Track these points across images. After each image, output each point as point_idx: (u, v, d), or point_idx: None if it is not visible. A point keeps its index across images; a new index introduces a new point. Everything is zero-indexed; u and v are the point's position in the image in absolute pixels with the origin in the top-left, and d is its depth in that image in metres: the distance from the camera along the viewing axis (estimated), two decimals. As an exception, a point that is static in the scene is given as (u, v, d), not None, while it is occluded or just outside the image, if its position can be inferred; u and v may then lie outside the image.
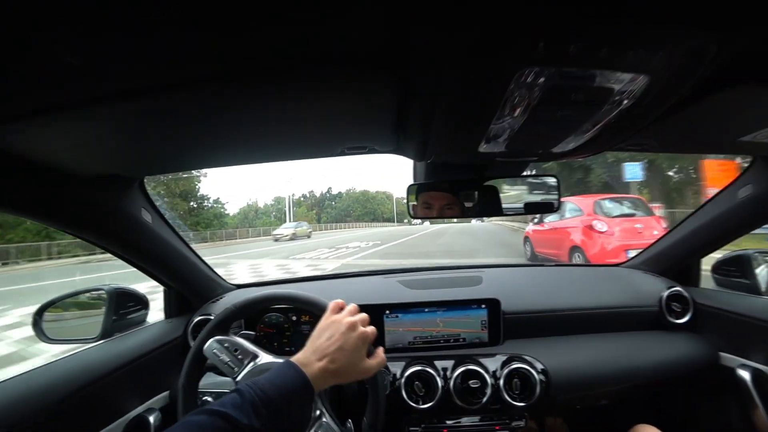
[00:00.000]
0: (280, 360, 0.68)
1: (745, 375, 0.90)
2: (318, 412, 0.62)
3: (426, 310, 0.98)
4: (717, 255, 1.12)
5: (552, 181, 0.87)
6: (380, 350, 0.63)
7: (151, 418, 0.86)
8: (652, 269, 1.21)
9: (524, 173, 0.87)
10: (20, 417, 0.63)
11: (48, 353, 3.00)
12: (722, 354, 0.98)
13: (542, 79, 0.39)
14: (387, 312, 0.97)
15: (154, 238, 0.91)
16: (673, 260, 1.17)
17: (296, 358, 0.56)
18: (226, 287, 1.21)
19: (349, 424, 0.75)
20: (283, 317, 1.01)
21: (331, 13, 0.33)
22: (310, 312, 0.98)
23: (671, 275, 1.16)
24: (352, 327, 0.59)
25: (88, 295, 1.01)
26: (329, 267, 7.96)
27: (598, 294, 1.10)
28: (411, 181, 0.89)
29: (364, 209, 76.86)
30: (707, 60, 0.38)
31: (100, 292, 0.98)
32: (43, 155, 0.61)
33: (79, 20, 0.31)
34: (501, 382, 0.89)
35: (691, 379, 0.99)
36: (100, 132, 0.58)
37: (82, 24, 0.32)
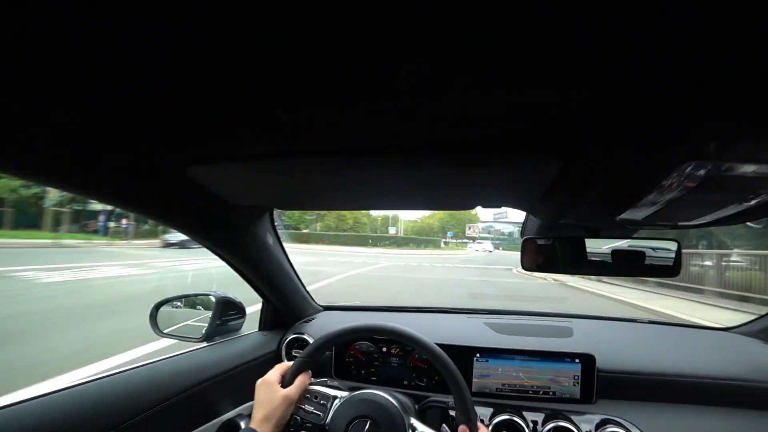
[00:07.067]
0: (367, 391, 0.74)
1: None
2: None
3: (517, 357, 0.97)
4: None
5: (672, 245, 0.84)
6: (300, 377, 0.72)
7: (242, 423, 0.92)
8: None
9: (641, 236, 0.85)
10: (133, 411, 0.70)
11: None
12: None
13: (702, 171, 0.41)
14: (477, 355, 0.97)
15: (271, 258, 1.00)
16: None
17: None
18: (316, 308, 1.28)
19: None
20: (373, 347, 1.04)
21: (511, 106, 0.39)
22: (401, 344, 1.02)
23: None
24: (263, 383, 0.71)
25: (198, 298, 1.10)
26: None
27: (706, 360, 1.00)
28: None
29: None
30: None
31: (209, 297, 1.07)
32: (214, 188, 0.73)
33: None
34: None
35: None
36: (256, 177, 0.70)
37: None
